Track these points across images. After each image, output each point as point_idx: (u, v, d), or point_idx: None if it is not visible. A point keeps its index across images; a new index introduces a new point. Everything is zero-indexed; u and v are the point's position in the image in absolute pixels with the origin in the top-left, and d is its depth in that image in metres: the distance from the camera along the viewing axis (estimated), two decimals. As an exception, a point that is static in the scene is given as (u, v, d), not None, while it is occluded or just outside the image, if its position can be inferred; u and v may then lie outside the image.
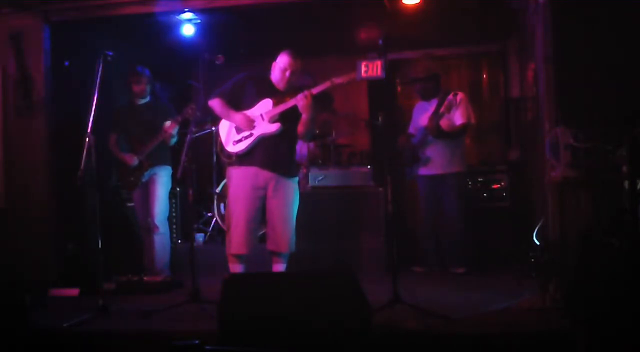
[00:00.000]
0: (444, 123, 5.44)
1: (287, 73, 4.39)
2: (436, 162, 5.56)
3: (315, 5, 5.53)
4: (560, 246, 4.00)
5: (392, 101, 7.10)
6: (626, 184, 3.71)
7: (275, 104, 4.38)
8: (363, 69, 6.36)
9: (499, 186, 6.11)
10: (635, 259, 3.41)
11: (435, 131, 5.41)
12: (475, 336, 3.45)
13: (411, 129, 5.84)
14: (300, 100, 4.25)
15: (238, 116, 4.41)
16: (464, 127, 5.51)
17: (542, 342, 3.33)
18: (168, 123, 5.22)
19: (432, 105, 5.49)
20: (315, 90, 4.28)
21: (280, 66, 4.40)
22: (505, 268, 5.28)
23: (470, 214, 5.63)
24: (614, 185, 3.82)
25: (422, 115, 5.63)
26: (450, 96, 5.29)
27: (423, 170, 5.64)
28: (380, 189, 5.72)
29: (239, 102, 4.46)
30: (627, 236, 3.60)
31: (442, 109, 5.31)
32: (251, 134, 4.39)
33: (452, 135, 5.50)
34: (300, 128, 4.40)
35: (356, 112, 6.98)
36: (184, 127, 5.27)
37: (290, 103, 4.31)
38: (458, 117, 5.47)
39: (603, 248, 3.71)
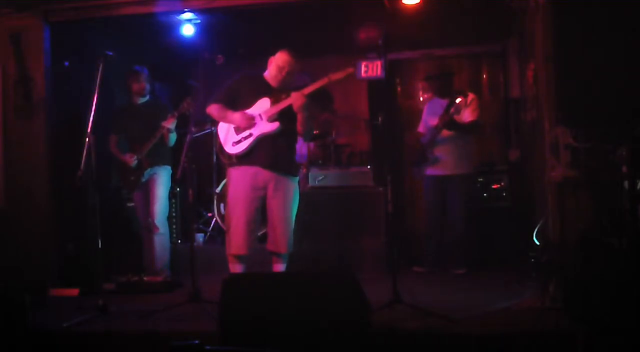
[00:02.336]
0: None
1: (284, 72, 4.38)
2: (445, 162, 5.54)
3: (315, 5, 5.54)
4: (560, 246, 4.00)
5: (392, 101, 7.09)
6: (626, 184, 3.71)
7: (272, 103, 4.37)
8: (363, 69, 6.39)
9: (499, 186, 6.10)
10: (635, 259, 3.41)
11: (447, 125, 5.37)
12: (476, 336, 3.45)
13: (421, 128, 5.82)
14: (293, 100, 4.26)
15: (236, 116, 4.39)
16: (474, 124, 5.49)
17: (542, 342, 3.33)
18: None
19: (443, 105, 5.47)
20: (310, 89, 4.27)
21: (279, 63, 4.39)
22: (505, 268, 5.29)
23: (471, 214, 5.63)
24: (614, 185, 3.81)
25: (433, 115, 5.61)
26: (461, 97, 5.29)
27: (430, 171, 5.62)
28: (380, 189, 5.72)
29: (235, 104, 4.44)
30: (627, 236, 3.60)
31: (452, 110, 5.31)
32: (250, 134, 4.38)
33: (463, 130, 5.48)
34: (299, 127, 4.40)
35: (356, 112, 6.98)
36: (183, 126, 5.27)
37: (286, 102, 4.31)
38: (467, 115, 5.46)
39: (603, 248, 3.71)
